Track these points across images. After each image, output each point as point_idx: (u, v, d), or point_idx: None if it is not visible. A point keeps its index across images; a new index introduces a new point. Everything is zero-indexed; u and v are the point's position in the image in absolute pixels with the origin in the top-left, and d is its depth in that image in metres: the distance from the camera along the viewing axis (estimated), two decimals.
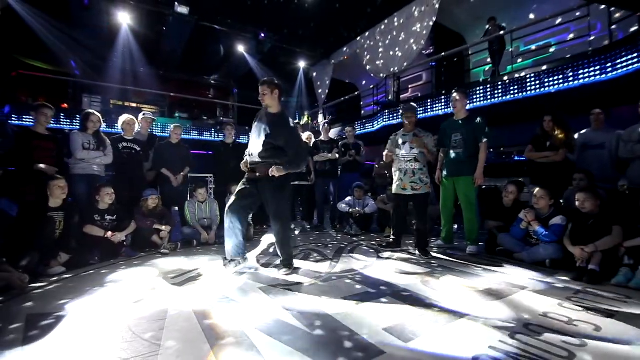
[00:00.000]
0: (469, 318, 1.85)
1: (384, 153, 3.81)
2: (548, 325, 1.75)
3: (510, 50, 6.56)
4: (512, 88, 5.80)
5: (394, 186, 3.72)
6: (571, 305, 2.05)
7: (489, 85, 6.18)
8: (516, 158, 7.30)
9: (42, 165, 3.43)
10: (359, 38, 10.04)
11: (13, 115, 7.40)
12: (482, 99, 6.23)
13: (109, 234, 3.38)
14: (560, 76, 5.20)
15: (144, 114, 4.75)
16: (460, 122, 3.68)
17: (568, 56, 5.71)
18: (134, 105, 10.19)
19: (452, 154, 3.67)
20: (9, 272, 2.41)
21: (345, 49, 10.70)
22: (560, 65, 5.28)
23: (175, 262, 3.23)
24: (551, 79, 5.31)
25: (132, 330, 1.71)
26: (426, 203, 3.65)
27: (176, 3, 8.29)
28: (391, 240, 3.82)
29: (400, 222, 3.82)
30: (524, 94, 5.62)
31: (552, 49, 7.18)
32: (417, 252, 3.50)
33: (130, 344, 1.57)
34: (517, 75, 5.83)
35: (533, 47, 7.52)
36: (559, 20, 6.59)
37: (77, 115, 7.49)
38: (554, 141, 3.77)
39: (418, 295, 2.25)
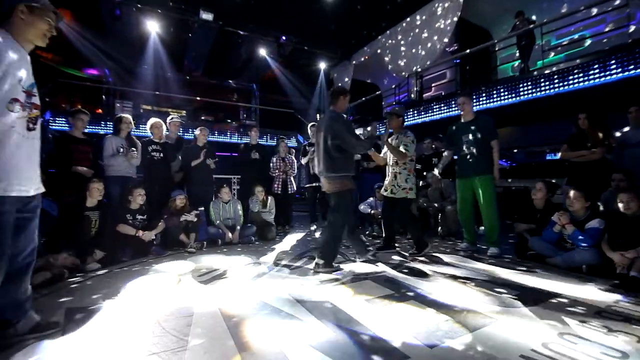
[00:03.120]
0: (499, 325, 1.78)
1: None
2: (585, 335, 1.65)
3: (541, 44, 6.26)
4: (542, 84, 5.53)
5: (404, 192, 3.57)
6: (611, 314, 1.92)
7: (517, 82, 5.93)
8: (548, 157, 6.95)
9: (79, 168, 3.65)
10: (380, 37, 9.93)
11: (56, 119, 7.91)
12: (510, 96, 5.98)
13: (140, 232, 3.55)
14: (597, 70, 4.90)
15: (172, 118, 4.93)
16: (469, 123, 3.69)
17: (605, 49, 5.38)
18: (162, 109, 10.61)
19: (466, 155, 3.65)
20: (50, 267, 2.58)
21: (366, 48, 10.62)
22: (596, 58, 4.97)
23: (201, 261, 3.34)
24: (586, 73, 5.01)
25: (162, 326, 1.78)
26: (400, 205, 3.61)
27: (201, 10, 8.58)
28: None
29: (386, 224, 3.84)
30: (556, 90, 5.34)
31: (587, 42, 6.78)
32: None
33: (160, 338, 1.64)
34: (547, 71, 5.56)
35: (565, 40, 7.14)
36: (594, 12, 6.22)
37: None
38: (591, 140, 3.57)
39: (444, 299, 2.18)
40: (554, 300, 2.15)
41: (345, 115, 3.02)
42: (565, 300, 2.15)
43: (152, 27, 9.11)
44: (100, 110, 9.61)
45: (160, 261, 3.36)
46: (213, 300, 2.18)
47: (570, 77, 5.18)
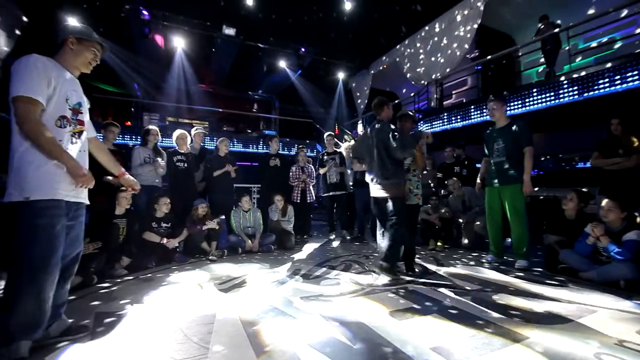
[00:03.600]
0: (528, 343, 1.69)
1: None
2: (623, 356, 1.54)
3: (567, 48, 6.05)
4: (570, 89, 5.31)
5: (415, 198, 3.36)
6: None
7: (543, 87, 5.73)
8: (579, 165, 6.63)
9: (109, 177, 3.82)
10: (398, 46, 9.94)
11: None
12: (536, 102, 5.78)
13: (165, 240, 3.66)
14: (628, 73, 4.66)
15: (196, 130, 5.11)
16: (501, 129, 3.55)
17: (637, 51, 5.12)
18: (186, 121, 11.02)
19: (495, 163, 3.54)
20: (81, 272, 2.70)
21: (384, 57, 10.64)
22: (628, 61, 4.73)
23: (222, 269, 3.39)
24: (617, 77, 4.77)
25: (184, 332, 1.81)
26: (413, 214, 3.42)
27: (224, 26, 8.93)
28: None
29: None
30: (585, 95, 5.12)
31: (616, 45, 6.49)
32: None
33: (182, 345, 1.67)
34: (575, 75, 5.34)
35: (594, 43, 6.86)
36: (624, 13, 5.95)
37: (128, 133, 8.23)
38: (625, 146, 3.38)
39: (468, 313, 2.10)
40: (588, 317, 2.02)
41: (391, 124, 3.08)
42: (601, 318, 2.02)
43: (179, 43, 9.57)
44: (129, 123, 10.10)
45: (183, 268, 3.44)
46: (233, 308, 2.21)
47: (601, 81, 4.95)
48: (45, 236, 1.58)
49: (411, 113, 3.63)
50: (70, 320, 1.84)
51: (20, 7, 7.02)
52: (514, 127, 3.44)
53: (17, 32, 6.92)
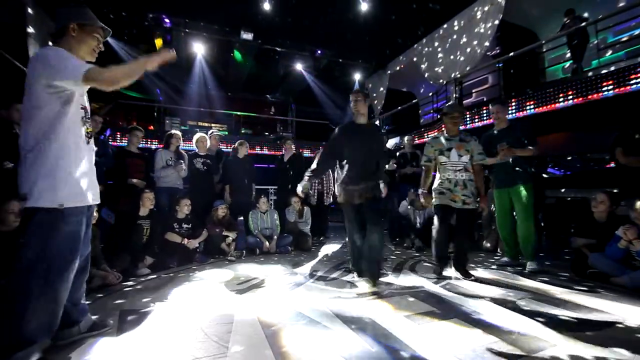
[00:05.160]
0: (557, 351, 1.61)
1: (423, 163, 3.26)
2: None
3: (595, 42, 5.76)
4: (599, 85, 5.06)
5: (438, 196, 3.13)
6: None
7: (569, 84, 5.48)
8: (610, 165, 6.30)
9: (134, 180, 3.98)
10: (415, 45, 9.79)
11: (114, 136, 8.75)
12: (562, 99, 5.54)
13: (185, 240, 3.76)
14: None
15: (211, 132, 5.24)
16: (503, 131, 3.53)
17: None
18: (206, 124, 11.29)
19: (502, 165, 3.46)
20: (107, 271, 2.83)
21: (401, 57, 10.50)
22: None
23: (240, 269, 3.45)
24: None
25: (204, 331, 1.85)
26: (474, 219, 3.37)
27: (242, 30, 9.11)
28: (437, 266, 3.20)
29: (445, 240, 3.18)
30: (615, 91, 4.86)
31: None
32: (455, 272, 3.12)
33: (202, 343, 1.71)
34: (605, 71, 5.08)
35: (625, 36, 6.50)
36: None
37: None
38: None
39: (491, 319, 2.03)
40: (620, 326, 1.91)
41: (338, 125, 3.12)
42: (634, 327, 1.90)
43: (199, 49, 9.83)
44: (152, 127, 10.45)
45: (203, 268, 3.52)
46: (252, 308, 2.24)
47: (633, 76, 4.69)
48: (69, 242, 1.56)
49: (460, 109, 3.32)
50: (94, 317, 1.92)
51: (51, 18, 7.43)
52: (517, 128, 3.49)
53: (50, 43, 7.32)
